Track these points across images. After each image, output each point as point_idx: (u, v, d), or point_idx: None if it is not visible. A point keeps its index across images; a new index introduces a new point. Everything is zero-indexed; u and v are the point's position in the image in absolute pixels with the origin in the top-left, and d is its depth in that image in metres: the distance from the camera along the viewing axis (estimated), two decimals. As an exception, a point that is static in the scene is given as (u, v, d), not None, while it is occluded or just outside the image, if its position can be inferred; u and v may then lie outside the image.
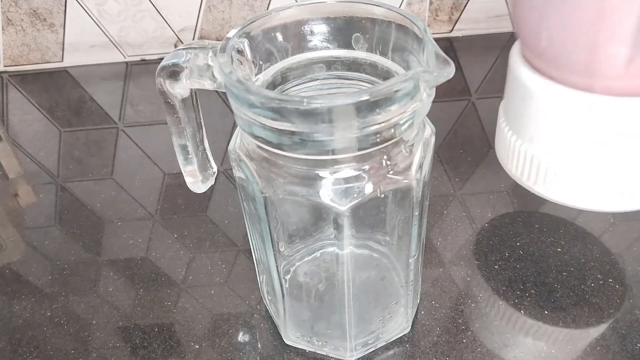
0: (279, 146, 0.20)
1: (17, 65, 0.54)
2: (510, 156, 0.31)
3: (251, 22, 0.23)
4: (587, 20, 0.25)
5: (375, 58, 0.24)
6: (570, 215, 0.34)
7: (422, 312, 0.29)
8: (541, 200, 0.36)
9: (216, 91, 0.46)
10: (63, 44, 0.53)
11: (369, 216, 0.26)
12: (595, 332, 0.28)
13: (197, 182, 0.27)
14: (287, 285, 0.29)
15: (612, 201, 0.28)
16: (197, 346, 0.29)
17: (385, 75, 0.24)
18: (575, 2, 0.25)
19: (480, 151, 0.40)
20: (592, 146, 0.27)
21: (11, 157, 0.44)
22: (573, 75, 0.27)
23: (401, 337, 0.28)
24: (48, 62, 0.54)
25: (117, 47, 0.54)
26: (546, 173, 0.29)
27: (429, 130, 0.24)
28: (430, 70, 0.20)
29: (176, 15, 0.52)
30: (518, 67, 0.30)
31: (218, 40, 0.25)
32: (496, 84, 0.47)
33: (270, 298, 0.28)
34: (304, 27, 0.24)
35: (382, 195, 0.22)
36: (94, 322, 0.30)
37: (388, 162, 0.22)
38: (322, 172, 0.21)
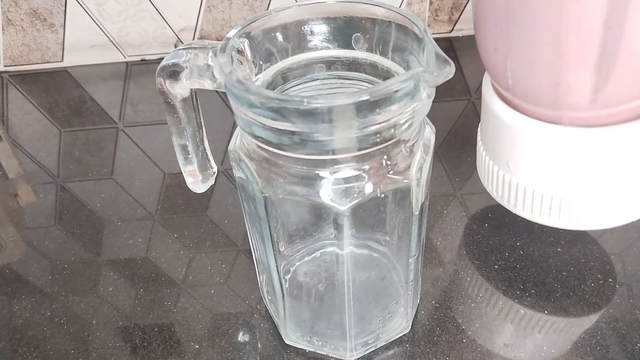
0: (279, 146, 0.20)
1: (17, 65, 0.54)
2: (490, 180, 0.32)
3: (251, 22, 0.23)
4: (549, 61, 0.25)
5: (375, 58, 0.24)
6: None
7: (422, 312, 0.29)
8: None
9: (216, 91, 0.46)
10: (63, 44, 0.53)
11: (369, 216, 0.26)
12: (595, 332, 0.28)
13: (197, 182, 0.27)
14: (287, 285, 0.29)
15: (591, 221, 0.29)
16: (197, 346, 0.29)
17: (385, 75, 0.24)
18: (535, 44, 0.25)
19: (480, 151, 0.40)
20: (565, 173, 0.28)
21: (11, 157, 0.44)
22: (541, 108, 0.27)
23: (401, 337, 0.28)
24: (48, 62, 0.54)
25: (117, 47, 0.54)
26: (524, 197, 0.30)
27: (429, 130, 0.24)
28: (430, 70, 0.20)
29: (176, 15, 0.52)
30: (489, 96, 0.30)
31: (218, 40, 0.25)
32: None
33: (270, 298, 0.28)
34: (304, 27, 0.24)
35: (382, 195, 0.22)
36: (94, 322, 0.30)
37: (388, 162, 0.22)
38: (322, 172, 0.21)
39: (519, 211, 0.31)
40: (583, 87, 0.25)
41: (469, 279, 0.31)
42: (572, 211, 0.28)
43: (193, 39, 0.54)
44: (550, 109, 0.27)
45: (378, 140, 0.20)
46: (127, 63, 0.55)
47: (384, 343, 0.28)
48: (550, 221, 0.30)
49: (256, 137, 0.21)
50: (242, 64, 0.23)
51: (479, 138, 0.33)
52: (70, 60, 0.54)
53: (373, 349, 0.28)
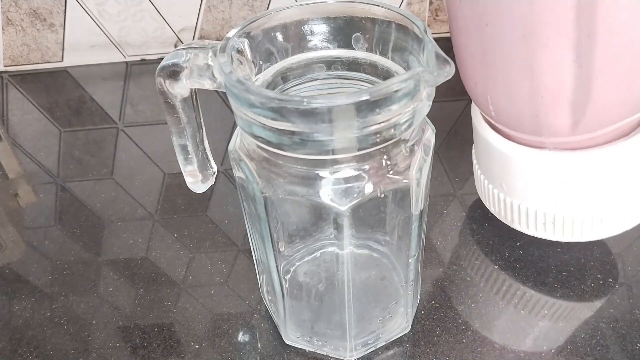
0: (279, 146, 0.20)
1: (17, 65, 0.54)
2: (487, 197, 0.33)
3: (251, 22, 0.23)
4: (525, 96, 0.26)
5: (375, 58, 0.24)
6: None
7: (422, 312, 0.29)
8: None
9: (216, 91, 0.46)
10: (63, 44, 0.53)
11: (369, 216, 0.26)
12: (595, 332, 0.28)
13: (197, 182, 0.27)
14: (287, 285, 0.29)
15: (587, 233, 0.30)
16: (197, 346, 0.29)
17: (385, 75, 0.24)
18: (511, 81, 0.26)
19: (480, 151, 0.40)
20: (555, 193, 0.29)
21: (11, 157, 0.44)
22: (525, 135, 0.28)
23: (401, 337, 0.28)
24: (48, 62, 0.54)
25: (117, 47, 0.54)
26: (519, 214, 0.31)
27: (429, 130, 0.24)
28: (430, 70, 0.20)
29: (176, 15, 0.52)
30: (478, 122, 0.32)
31: (218, 40, 0.25)
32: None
33: (270, 298, 0.28)
34: (304, 27, 0.24)
35: (382, 195, 0.22)
36: (94, 322, 0.30)
37: (388, 162, 0.22)
38: (322, 172, 0.21)
39: (517, 226, 0.32)
40: (561, 118, 0.26)
41: (469, 279, 0.31)
42: (566, 226, 0.30)
43: (193, 39, 0.54)
44: (534, 135, 0.28)
45: (378, 140, 0.20)
46: (127, 63, 0.55)
47: (384, 343, 0.28)
48: (547, 235, 0.31)
49: (256, 137, 0.21)
50: (242, 64, 0.23)
51: (473, 156, 0.34)
52: (70, 60, 0.54)
53: (373, 349, 0.28)
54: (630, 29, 0.23)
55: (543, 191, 0.29)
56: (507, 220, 0.32)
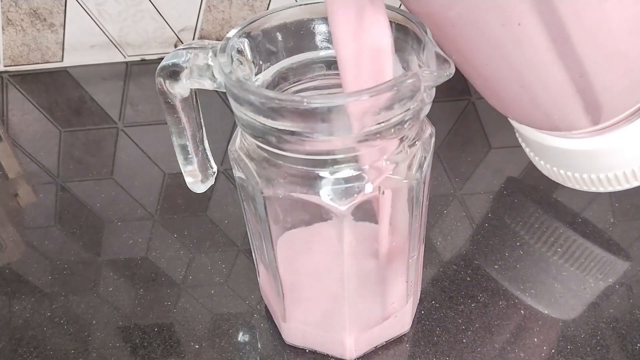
0: (279, 146, 0.20)
1: (17, 65, 0.54)
2: (537, 163, 0.35)
3: (251, 22, 0.23)
4: (542, 115, 0.27)
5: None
6: (571, 215, 0.35)
7: (422, 312, 0.29)
8: (541, 201, 0.36)
9: (216, 91, 0.46)
10: (63, 44, 0.53)
11: (368, 216, 0.26)
12: (595, 332, 0.28)
13: (197, 182, 0.27)
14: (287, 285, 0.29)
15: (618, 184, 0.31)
16: (197, 346, 0.29)
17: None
18: (521, 101, 0.27)
19: (480, 151, 0.40)
20: (585, 165, 0.31)
21: (11, 157, 0.44)
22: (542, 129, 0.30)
23: (401, 337, 0.28)
24: (48, 62, 0.54)
25: (117, 47, 0.54)
26: (564, 178, 0.33)
27: (429, 130, 0.24)
28: (430, 70, 0.20)
29: (176, 15, 0.52)
30: None
31: (218, 40, 0.25)
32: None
33: (270, 298, 0.28)
34: (304, 27, 0.24)
35: (382, 195, 0.22)
36: (94, 322, 0.30)
37: (388, 162, 0.22)
38: (322, 172, 0.21)
39: (569, 184, 0.33)
40: (580, 122, 0.27)
41: (468, 279, 0.31)
42: (604, 182, 0.31)
43: (193, 39, 0.54)
44: (566, 136, 0.29)
45: (378, 140, 0.20)
46: (127, 63, 0.55)
47: (384, 343, 0.28)
48: (612, 187, 0.32)
49: (256, 137, 0.21)
50: (242, 64, 0.23)
51: (522, 143, 0.36)
52: (70, 60, 0.54)
53: (373, 348, 0.28)
54: (599, 24, 0.23)
55: (578, 165, 0.31)
56: (558, 182, 0.34)
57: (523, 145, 0.35)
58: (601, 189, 0.32)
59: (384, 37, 0.21)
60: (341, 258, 0.24)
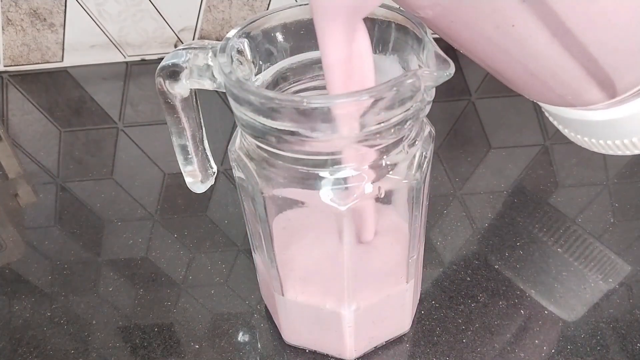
0: (278, 146, 0.20)
1: (17, 65, 0.54)
2: (561, 130, 0.34)
3: (251, 22, 0.23)
4: (557, 97, 0.27)
5: (375, 58, 0.24)
6: (571, 215, 0.35)
7: (422, 312, 0.29)
8: (541, 201, 0.36)
9: (216, 91, 0.46)
10: (63, 44, 0.53)
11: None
12: (595, 332, 0.28)
13: (197, 182, 0.27)
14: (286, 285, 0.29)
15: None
16: (197, 346, 0.29)
17: (385, 75, 0.24)
18: (537, 87, 0.27)
19: (480, 151, 0.40)
20: (610, 132, 0.30)
21: (11, 157, 0.44)
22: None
23: (401, 337, 0.28)
24: (48, 62, 0.54)
25: (117, 47, 0.54)
26: (589, 144, 0.32)
27: (429, 130, 0.24)
28: (430, 70, 0.20)
29: (176, 15, 0.52)
30: None
31: (218, 40, 0.25)
32: (496, 83, 0.47)
33: (269, 297, 0.28)
34: (303, 27, 0.24)
35: (382, 195, 0.22)
36: (94, 322, 0.30)
37: (388, 162, 0.22)
38: (322, 172, 0.21)
39: (595, 149, 0.32)
40: (597, 99, 0.26)
41: (468, 279, 0.31)
42: (617, 146, 0.30)
43: (193, 39, 0.54)
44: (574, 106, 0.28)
45: (378, 140, 0.20)
46: (127, 63, 0.55)
47: (384, 343, 0.28)
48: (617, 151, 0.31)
49: (256, 137, 0.21)
50: (242, 64, 0.23)
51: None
52: (70, 60, 0.54)
53: (373, 348, 0.28)
54: (597, 10, 0.22)
55: (597, 133, 0.30)
56: (588, 148, 0.33)
57: (546, 114, 0.35)
58: (627, 152, 0.31)
59: (364, 42, 0.21)
60: (341, 258, 0.24)
